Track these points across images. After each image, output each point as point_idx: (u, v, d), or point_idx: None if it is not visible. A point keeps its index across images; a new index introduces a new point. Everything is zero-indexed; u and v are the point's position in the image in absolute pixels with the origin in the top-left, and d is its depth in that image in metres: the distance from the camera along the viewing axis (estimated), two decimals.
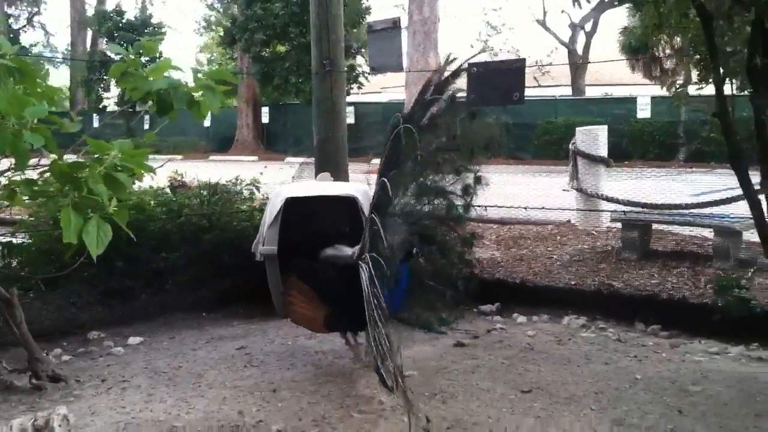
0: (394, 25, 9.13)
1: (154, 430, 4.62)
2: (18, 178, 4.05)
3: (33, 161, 4.00)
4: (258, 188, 9.43)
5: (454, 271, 5.81)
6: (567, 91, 35.61)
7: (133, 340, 6.92)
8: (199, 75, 4.81)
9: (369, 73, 31.35)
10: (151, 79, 4.71)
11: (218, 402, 5.07)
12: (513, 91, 8.18)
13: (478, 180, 5.73)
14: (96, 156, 3.92)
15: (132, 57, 4.75)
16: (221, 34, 37.74)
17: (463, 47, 35.63)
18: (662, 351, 6.30)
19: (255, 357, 6.16)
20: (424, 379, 5.44)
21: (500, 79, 8.18)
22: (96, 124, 37.59)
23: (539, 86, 32.14)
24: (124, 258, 7.46)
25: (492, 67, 8.57)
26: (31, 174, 4.05)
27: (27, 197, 4.12)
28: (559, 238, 10.65)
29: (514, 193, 13.36)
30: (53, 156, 3.84)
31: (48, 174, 3.91)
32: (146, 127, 39.01)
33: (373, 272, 4.81)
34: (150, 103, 4.88)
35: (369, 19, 33.08)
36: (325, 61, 9.43)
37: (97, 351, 6.65)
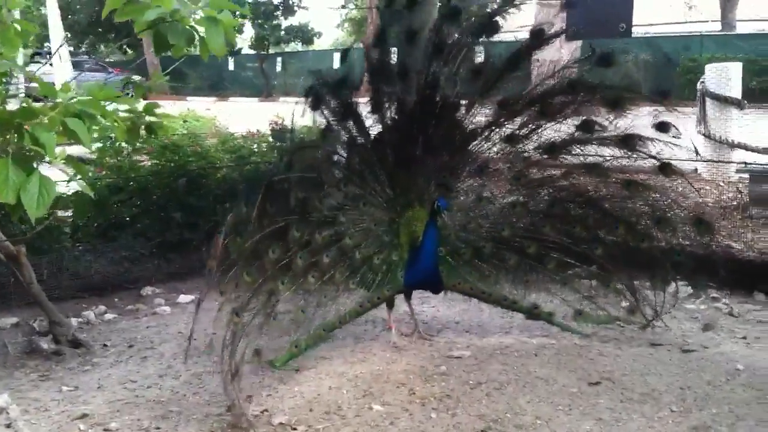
0: None
1: (147, 413, 4.03)
2: None
3: None
4: None
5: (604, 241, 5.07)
6: (717, 27, 32.89)
7: (184, 298, 6.42)
8: (199, 5, 4.07)
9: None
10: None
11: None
12: (619, 21, 7.12)
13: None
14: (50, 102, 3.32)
15: None
16: None
17: None
18: None
19: None
20: (475, 362, 4.59)
21: (604, 8, 7.13)
22: (231, 67, 38.09)
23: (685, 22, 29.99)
24: (183, 209, 6.97)
25: None
26: None
27: None
28: (680, 189, 9.49)
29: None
30: None
31: None
32: (278, 69, 39.06)
33: None
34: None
35: None
36: None
37: (144, 309, 6.21)
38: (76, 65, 30.10)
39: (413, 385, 4.22)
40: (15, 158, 3.02)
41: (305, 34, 38.41)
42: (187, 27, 4.00)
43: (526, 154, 5.09)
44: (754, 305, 5.92)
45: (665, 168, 4.97)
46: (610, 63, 4.88)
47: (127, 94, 4.01)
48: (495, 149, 5.11)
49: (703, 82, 10.24)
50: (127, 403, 4.21)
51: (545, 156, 5.05)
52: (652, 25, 32.20)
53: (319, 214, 4.82)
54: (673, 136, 4.84)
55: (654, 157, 4.93)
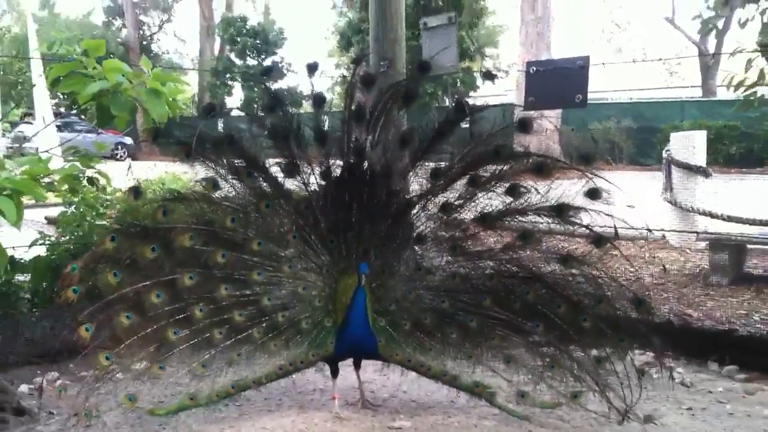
0: (450, 21, 8.34)
1: None
2: None
3: None
4: None
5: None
6: (698, 93, 33.52)
7: (141, 364, 6.36)
8: (143, 78, 4.19)
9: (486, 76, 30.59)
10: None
11: None
12: (575, 92, 7.27)
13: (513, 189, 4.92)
14: None
15: (78, 57, 4.21)
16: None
17: (582, 46, 34.39)
18: (729, 401, 5.32)
19: (251, 395, 5.36)
20: None
21: (561, 79, 7.31)
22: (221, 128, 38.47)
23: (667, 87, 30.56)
24: None
25: (552, 66, 7.66)
26: None
27: None
28: (646, 256, 9.60)
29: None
30: None
31: None
32: None
33: None
34: None
35: (486, 20, 32.37)
36: (382, 62, 8.76)
37: (100, 375, 6.15)
38: (67, 126, 30.23)
39: None
40: None
41: (294, 97, 38.86)
42: (129, 98, 4.10)
43: (462, 225, 5.06)
44: (708, 375, 5.94)
45: (599, 242, 4.84)
46: (528, 129, 4.87)
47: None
48: (433, 219, 5.10)
49: (668, 150, 10.42)
50: None
51: (479, 227, 5.04)
52: (634, 90, 32.78)
53: (221, 270, 4.79)
54: (606, 203, 4.70)
55: (588, 228, 4.79)
